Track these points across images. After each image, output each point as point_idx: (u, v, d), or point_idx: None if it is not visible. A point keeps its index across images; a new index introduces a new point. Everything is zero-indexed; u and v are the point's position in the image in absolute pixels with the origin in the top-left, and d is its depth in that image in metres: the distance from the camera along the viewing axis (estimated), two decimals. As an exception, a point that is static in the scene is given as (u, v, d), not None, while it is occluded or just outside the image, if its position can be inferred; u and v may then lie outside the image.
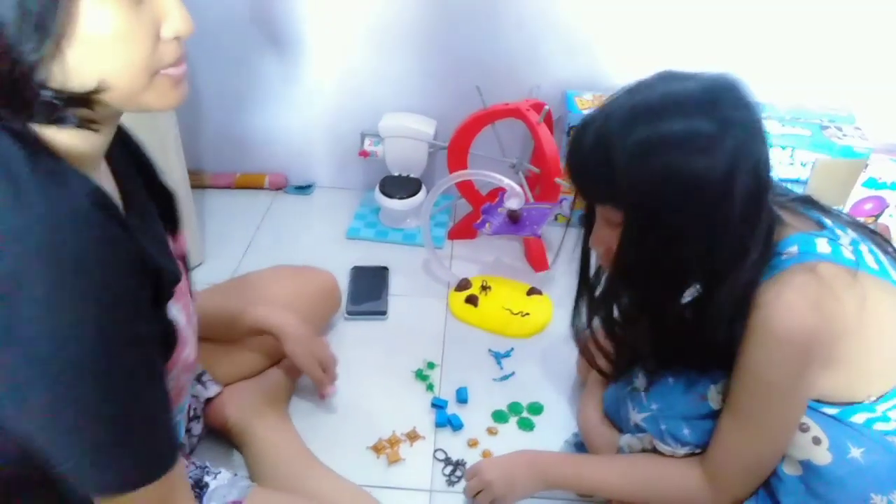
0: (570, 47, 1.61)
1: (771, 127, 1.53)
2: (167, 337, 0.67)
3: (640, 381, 1.00)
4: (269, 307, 1.09)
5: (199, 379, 1.09)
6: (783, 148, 1.52)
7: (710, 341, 0.85)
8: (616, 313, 0.97)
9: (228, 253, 1.62)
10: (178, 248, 0.78)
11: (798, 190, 1.57)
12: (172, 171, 1.41)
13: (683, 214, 0.78)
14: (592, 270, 1.01)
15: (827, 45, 1.56)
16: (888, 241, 0.88)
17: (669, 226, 0.80)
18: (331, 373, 1.14)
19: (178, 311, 0.70)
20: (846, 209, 1.59)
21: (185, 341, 0.70)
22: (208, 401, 1.10)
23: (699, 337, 0.87)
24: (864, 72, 1.59)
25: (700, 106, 0.76)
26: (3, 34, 0.49)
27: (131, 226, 0.57)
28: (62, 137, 0.56)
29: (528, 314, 1.45)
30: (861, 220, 1.27)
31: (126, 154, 0.73)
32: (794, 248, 0.80)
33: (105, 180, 0.65)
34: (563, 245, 1.59)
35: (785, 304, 0.76)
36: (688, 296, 0.89)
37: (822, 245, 0.80)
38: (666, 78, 0.81)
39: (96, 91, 0.54)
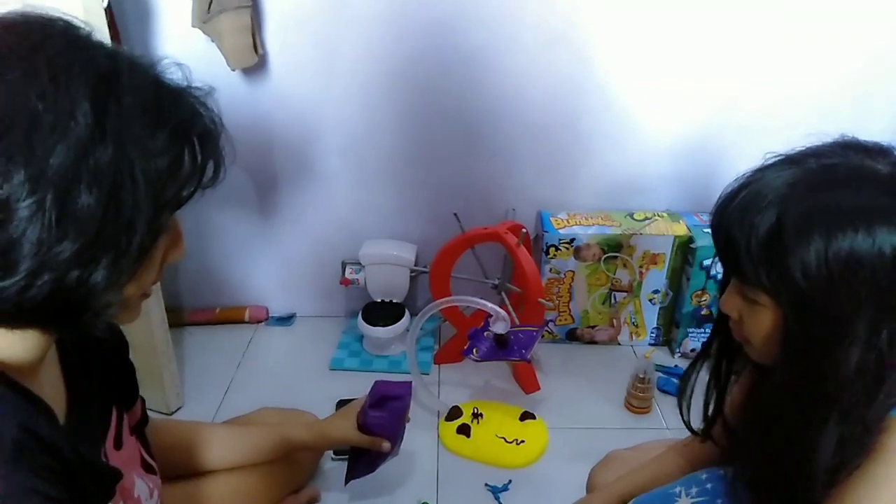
0: (541, 170, 1.66)
1: None
2: None
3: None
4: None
5: None
6: None
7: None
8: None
9: (209, 394, 1.56)
10: (132, 418, 0.76)
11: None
12: (150, 312, 1.38)
13: (858, 308, 0.65)
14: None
15: None
16: None
17: (839, 322, 0.66)
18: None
19: None
20: None
21: None
22: None
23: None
24: None
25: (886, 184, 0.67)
26: (95, 273, 0.51)
27: (66, 436, 0.57)
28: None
29: (522, 441, 1.40)
30: None
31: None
32: None
33: (47, 377, 0.63)
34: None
35: None
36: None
37: None
38: (848, 148, 0.72)
39: (106, 309, 0.55)
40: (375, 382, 1.18)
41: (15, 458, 0.51)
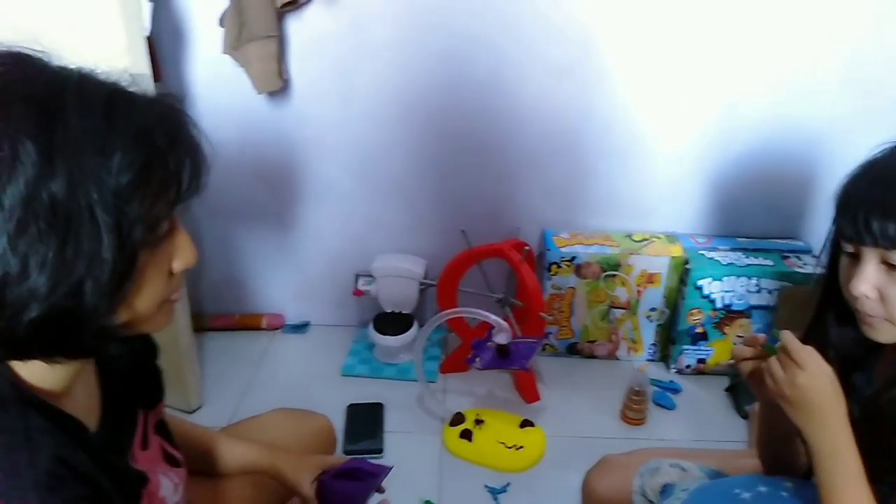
0: (546, 192, 1.76)
1: (736, 258, 1.67)
2: None
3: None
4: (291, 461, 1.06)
5: None
6: (749, 277, 1.64)
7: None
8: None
9: (228, 395, 1.66)
10: (154, 416, 0.79)
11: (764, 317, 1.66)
12: (177, 317, 1.48)
13: None
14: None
15: (781, 188, 1.73)
16: None
17: None
18: None
19: None
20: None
21: None
22: None
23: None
24: (815, 206, 1.75)
25: None
26: (82, 301, 0.51)
27: (97, 447, 0.60)
28: (31, 371, 0.56)
29: (521, 447, 1.48)
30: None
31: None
32: None
33: (83, 386, 0.65)
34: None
35: None
36: None
37: None
38: None
39: (120, 327, 0.56)
40: (352, 458, 1.11)
41: (50, 487, 0.53)
